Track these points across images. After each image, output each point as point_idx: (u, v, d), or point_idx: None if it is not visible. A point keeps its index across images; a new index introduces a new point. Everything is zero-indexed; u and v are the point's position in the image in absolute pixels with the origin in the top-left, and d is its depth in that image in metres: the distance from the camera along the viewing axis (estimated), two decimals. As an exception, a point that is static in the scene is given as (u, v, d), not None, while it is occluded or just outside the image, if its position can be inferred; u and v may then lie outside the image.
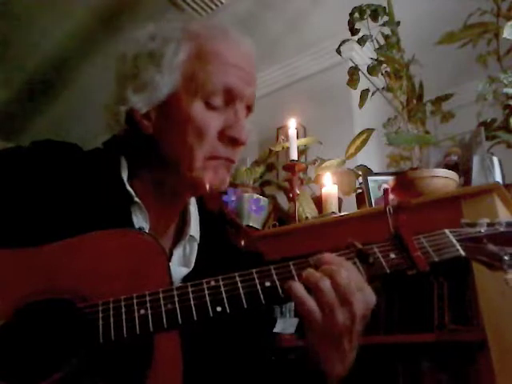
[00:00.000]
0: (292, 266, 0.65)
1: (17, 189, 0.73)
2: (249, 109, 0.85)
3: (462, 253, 0.70)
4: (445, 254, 0.69)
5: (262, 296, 0.63)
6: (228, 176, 0.83)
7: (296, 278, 0.64)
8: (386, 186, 1.69)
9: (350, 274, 0.64)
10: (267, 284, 0.63)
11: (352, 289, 0.62)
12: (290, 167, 2.00)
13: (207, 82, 0.77)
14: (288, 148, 2.06)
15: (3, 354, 0.58)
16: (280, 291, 0.63)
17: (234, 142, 0.80)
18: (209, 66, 0.78)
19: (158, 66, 0.78)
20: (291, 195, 2.00)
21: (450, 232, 0.72)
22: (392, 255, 0.67)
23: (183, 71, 0.78)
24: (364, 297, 0.64)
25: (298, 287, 0.62)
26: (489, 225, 0.74)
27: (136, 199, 0.79)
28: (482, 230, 0.73)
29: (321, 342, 0.67)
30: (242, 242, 0.99)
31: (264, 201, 2.11)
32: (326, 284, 0.62)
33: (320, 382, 0.69)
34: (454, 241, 0.71)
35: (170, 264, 0.78)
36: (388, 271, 0.66)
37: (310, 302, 0.62)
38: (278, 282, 0.63)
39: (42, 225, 0.69)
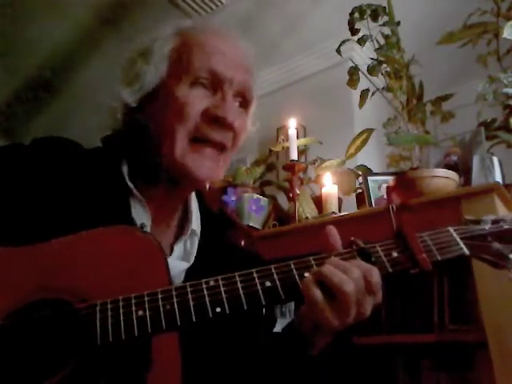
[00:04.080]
0: (293, 266, 0.64)
1: (16, 185, 0.73)
2: (245, 99, 0.85)
3: (466, 251, 0.68)
4: (448, 253, 0.67)
5: (262, 296, 0.62)
6: (219, 164, 0.82)
7: (297, 277, 0.63)
8: (387, 184, 1.69)
9: (373, 278, 0.63)
10: (267, 284, 0.62)
11: (367, 292, 0.62)
12: (290, 167, 2.00)
13: (192, 66, 0.79)
14: (288, 148, 2.06)
15: (0, 354, 0.58)
16: (281, 291, 0.62)
17: (221, 122, 0.79)
18: (193, 53, 0.80)
19: (147, 58, 0.82)
20: (291, 195, 2.00)
21: (454, 230, 0.70)
22: (394, 254, 0.66)
23: (169, 60, 0.81)
24: (375, 300, 0.64)
25: (317, 294, 0.61)
26: (493, 222, 0.72)
27: (135, 192, 0.80)
28: (487, 228, 0.71)
29: (317, 330, 0.68)
30: (242, 242, 0.99)
31: (264, 201, 2.11)
32: (350, 288, 0.60)
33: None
34: (458, 239, 0.69)
35: (171, 258, 0.78)
36: (390, 270, 0.65)
37: (327, 308, 0.61)
38: (278, 282, 0.62)
39: (42, 221, 0.69)
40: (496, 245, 0.69)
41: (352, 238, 0.68)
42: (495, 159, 1.60)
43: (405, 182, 1.56)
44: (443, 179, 1.51)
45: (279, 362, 0.76)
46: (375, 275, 0.62)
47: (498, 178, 1.56)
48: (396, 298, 1.61)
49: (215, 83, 0.80)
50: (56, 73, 3.06)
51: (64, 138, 0.83)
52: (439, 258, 0.67)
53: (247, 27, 2.57)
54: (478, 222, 0.72)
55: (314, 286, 0.61)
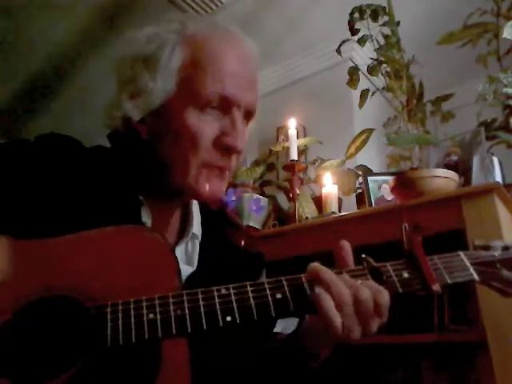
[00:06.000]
0: (304, 279, 0.65)
1: (23, 182, 0.71)
2: (250, 114, 0.84)
3: (476, 277, 0.69)
4: (458, 277, 0.68)
5: (272, 308, 0.62)
6: (223, 185, 0.82)
7: (308, 291, 0.63)
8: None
9: (382, 300, 0.63)
10: (278, 296, 0.63)
11: (375, 313, 0.63)
12: (290, 167, 2.00)
13: (202, 91, 0.76)
14: (288, 148, 2.06)
15: (8, 352, 0.57)
16: (291, 304, 0.63)
17: (230, 150, 0.79)
18: (204, 75, 0.76)
19: (153, 71, 0.77)
20: (291, 195, 2.00)
21: (464, 254, 0.71)
22: (405, 274, 0.67)
23: (178, 79, 0.77)
24: (382, 321, 0.65)
25: (329, 305, 0.62)
26: (503, 248, 0.73)
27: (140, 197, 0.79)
28: (496, 254, 0.72)
29: (320, 341, 0.68)
30: (242, 242, 0.99)
31: (264, 201, 2.11)
32: (349, 308, 0.62)
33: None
34: (468, 264, 0.70)
35: None
36: (400, 291, 0.66)
37: (338, 319, 0.62)
38: (289, 295, 0.63)
39: (49, 218, 0.68)
40: (505, 272, 0.70)
41: (363, 256, 0.69)
42: (495, 159, 1.60)
43: (405, 181, 1.56)
44: (443, 179, 1.51)
45: (283, 370, 0.76)
46: (385, 297, 0.63)
47: (498, 178, 1.56)
48: (396, 298, 1.61)
49: (225, 106, 0.78)
50: (56, 73, 3.06)
51: (65, 135, 0.82)
52: (449, 281, 0.68)
53: (247, 27, 2.57)
54: (487, 247, 0.73)
55: (327, 295, 0.62)
